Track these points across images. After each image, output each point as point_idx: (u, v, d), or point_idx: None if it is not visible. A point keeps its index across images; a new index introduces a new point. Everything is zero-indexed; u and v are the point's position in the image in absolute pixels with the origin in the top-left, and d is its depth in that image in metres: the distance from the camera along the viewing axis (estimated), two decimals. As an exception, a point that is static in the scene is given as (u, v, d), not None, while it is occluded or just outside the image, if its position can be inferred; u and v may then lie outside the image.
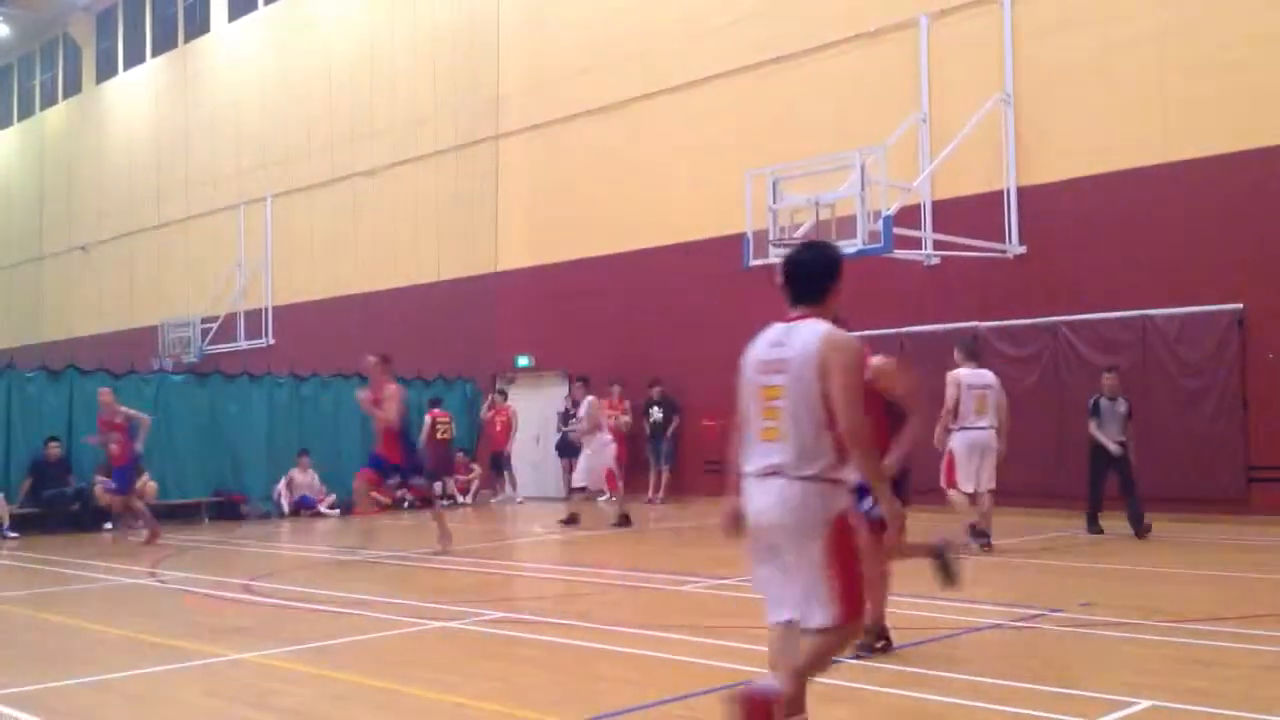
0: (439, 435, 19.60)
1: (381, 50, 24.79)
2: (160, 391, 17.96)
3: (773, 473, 4.10)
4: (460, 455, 20.30)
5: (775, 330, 4.33)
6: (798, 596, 4.09)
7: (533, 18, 21.86)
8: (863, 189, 13.47)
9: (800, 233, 13.84)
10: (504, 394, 21.23)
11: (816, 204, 13.70)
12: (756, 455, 4.19)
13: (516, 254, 21.86)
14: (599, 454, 15.07)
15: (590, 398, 15.67)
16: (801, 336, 4.18)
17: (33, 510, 15.85)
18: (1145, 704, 5.13)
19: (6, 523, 15.20)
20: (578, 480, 15.86)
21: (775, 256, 14.23)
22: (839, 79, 17.34)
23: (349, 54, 25.52)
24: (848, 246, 13.47)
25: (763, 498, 4.12)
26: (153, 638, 7.47)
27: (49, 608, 9.17)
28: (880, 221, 13.53)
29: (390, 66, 24.51)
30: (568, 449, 20.21)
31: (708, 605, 8.41)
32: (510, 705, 5.43)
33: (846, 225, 13.50)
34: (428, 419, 19.64)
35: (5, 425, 16.12)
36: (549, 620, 7.75)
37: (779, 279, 4.51)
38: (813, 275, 4.41)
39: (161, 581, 10.57)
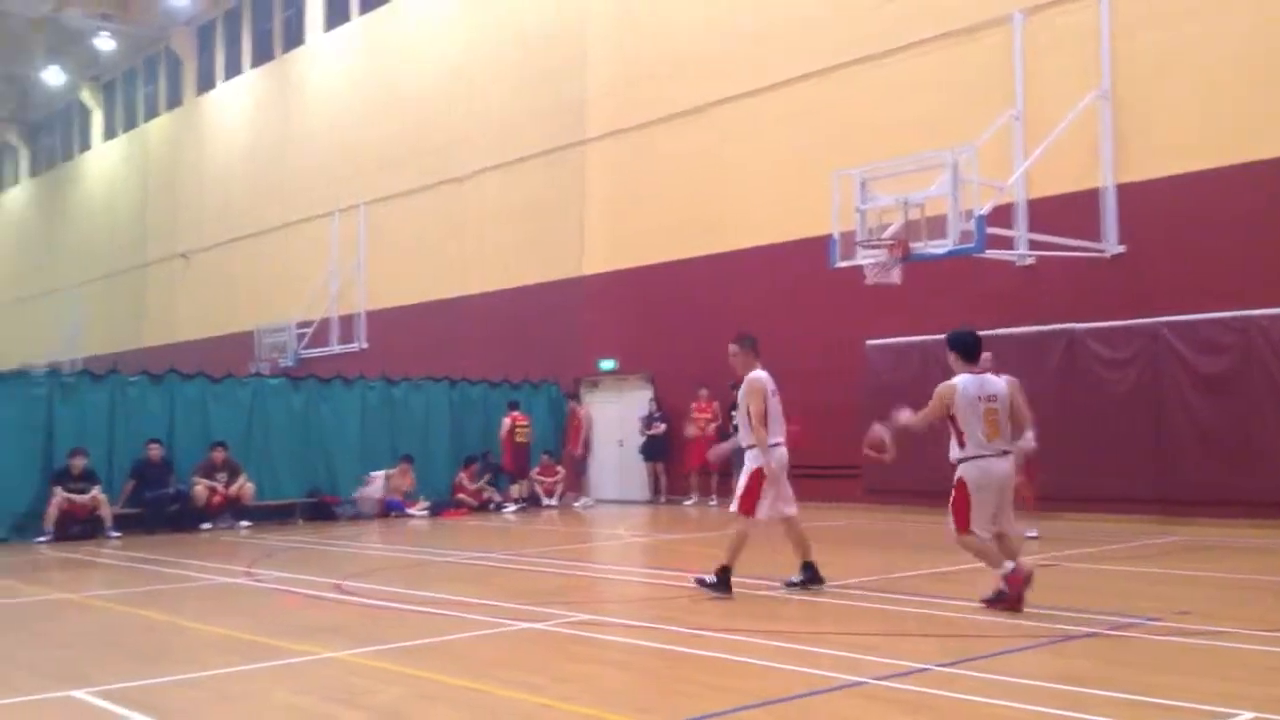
0: (517, 438, 19.78)
1: (470, 58, 25.11)
2: (256, 395, 18.41)
3: (1005, 452, 7.95)
4: (545, 458, 20.45)
5: (973, 378, 8.04)
6: (1007, 516, 8.01)
7: (619, 24, 21.95)
8: (954, 188, 13.23)
9: (889, 233, 13.67)
10: (575, 397, 21.35)
11: (905, 204, 13.51)
12: (990, 443, 7.86)
13: (601, 258, 21.96)
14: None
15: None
16: (995, 382, 8.14)
17: (135, 510, 16.34)
18: (1248, 715, 4.94)
19: (110, 523, 15.70)
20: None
21: (863, 258, 14.07)
22: (929, 77, 17.09)
23: (439, 62, 25.90)
24: (938, 247, 13.27)
25: (1002, 464, 7.91)
26: (247, 635, 7.63)
27: (149, 605, 9.43)
28: (972, 221, 13.29)
29: (479, 74, 24.82)
30: (653, 452, 20.24)
31: (790, 610, 8.32)
32: (596, 708, 5.42)
33: (937, 225, 13.29)
34: (507, 421, 19.83)
35: (109, 428, 16.65)
36: (634, 623, 7.75)
37: (952, 348, 8.17)
38: (977, 347, 8.29)
39: (257, 580, 10.81)
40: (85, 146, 39.79)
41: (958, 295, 15.74)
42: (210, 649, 7.32)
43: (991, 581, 7.88)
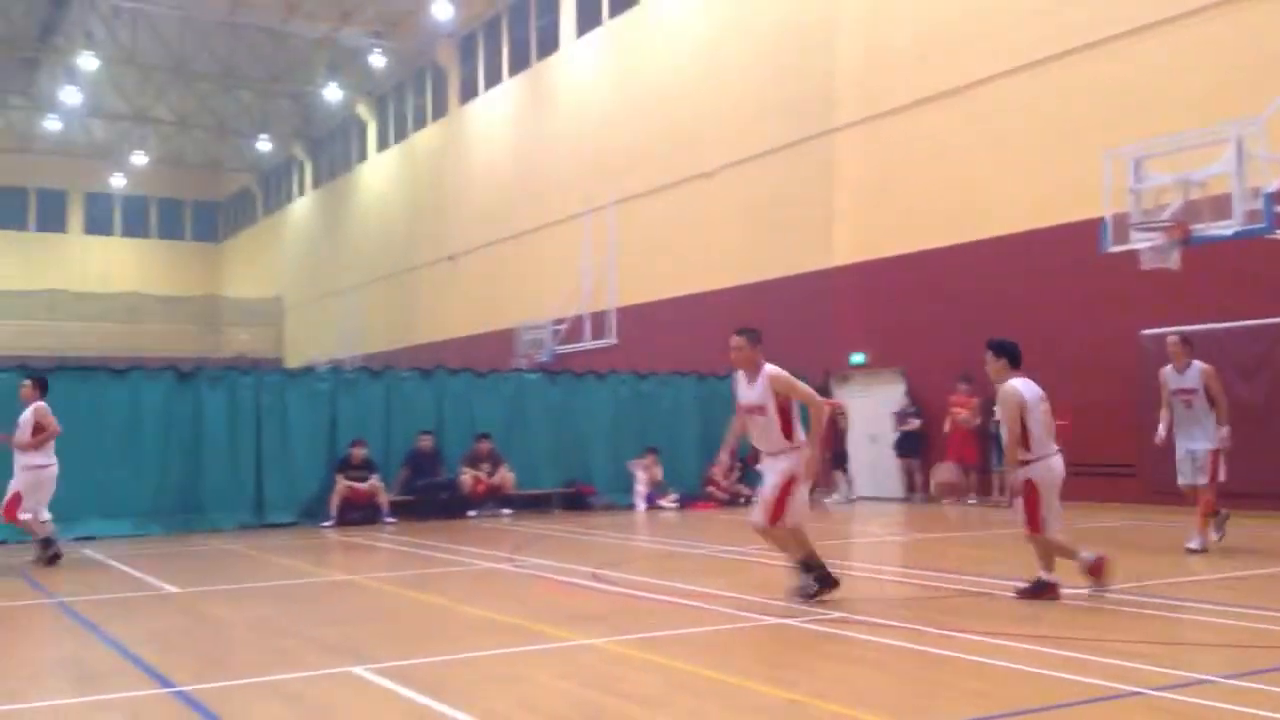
0: (758, 434, 19.61)
1: (716, 53, 25.22)
2: (517, 389, 19.20)
3: (1060, 451, 8.39)
4: (796, 453, 20.25)
5: (1028, 382, 8.38)
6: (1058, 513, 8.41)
7: (868, 7, 21.49)
8: (1239, 164, 12.21)
9: (1167, 214, 12.77)
10: (826, 392, 20.99)
11: (1185, 183, 12.59)
12: (1053, 444, 8.34)
13: (850, 249, 21.56)
14: None
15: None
16: (1037, 387, 8.41)
17: (408, 498, 17.36)
18: None
19: (386, 509, 16.75)
20: None
21: (1137, 241, 13.21)
22: (1206, 48, 15.83)
23: (685, 59, 26.17)
24: (1223, 228, 12.31)
25: (1060, 461, 8.36)
26: (511, 619, 7.95)
27: (421, 588, 9.99)
28: (1260, 199, 12.22)
29: (725, 67, 24.90)
30: (907, 449, 19.72)
31: (1054, 614, 7.90)
32: (849, 706, 5.32)
33: (1219, 205, 12.30)
34: (751, 418, 19.72)
35: (385, 420, 17.75)
36: (888, 623, 7.57)
37: (1001, 354, 8.55)
38: (1020, 353, 8.56)
39: (519, 567, 11.25)
40: (361, 158, 42.58)
41: (1243, 280, 14.52)
42: (476, 631, 7.66)
43: (1038, 570, 8.38)
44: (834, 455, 20.44)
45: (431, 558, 12.37)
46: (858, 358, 21.29)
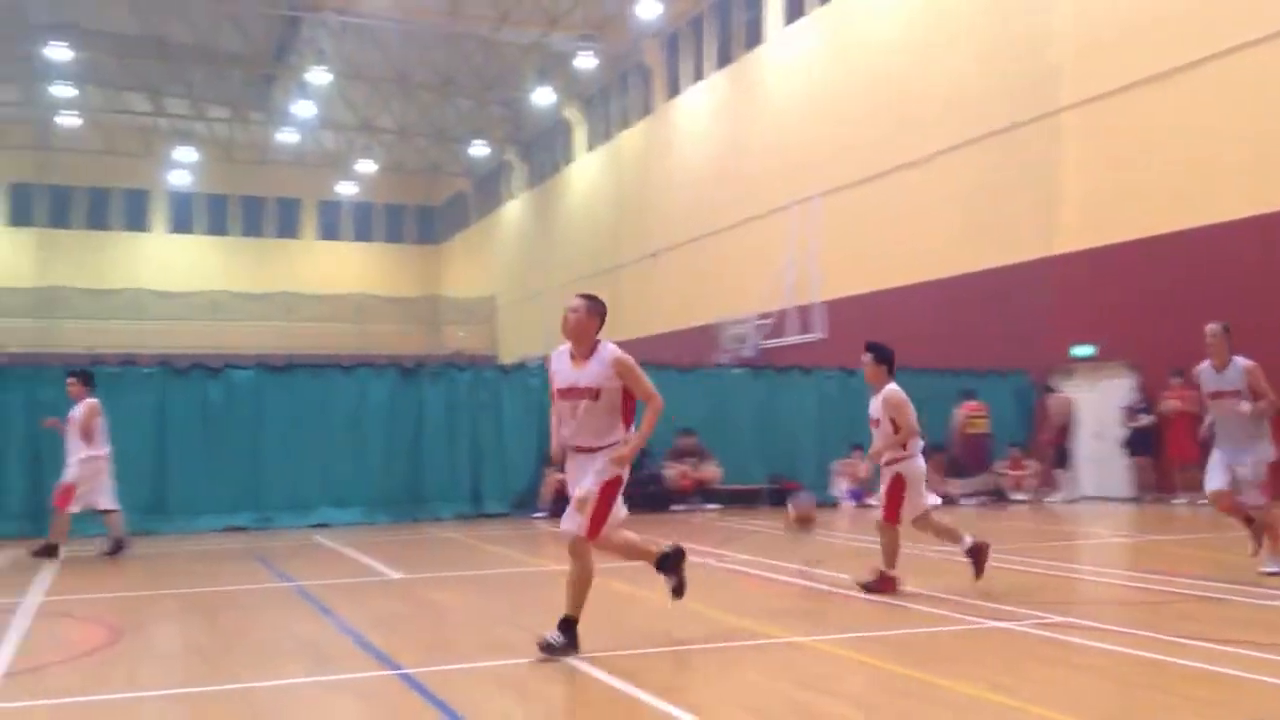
0: (972, 429, 19.02)
1: (928, 34, 24.52)
2: (721, 385, 19.25)
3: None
4: (1013, 451, 19.56)
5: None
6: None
7: (1087, -16, 20.45)
8: None
9: None
10: (1049, 387, 20.11)
11: None
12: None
13: (1075, 235, 20.54)
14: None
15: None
16: None
17: (617, 491, 17.66)
18: None
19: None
20: None
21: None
22: None
23: (895, 42, 25.55)
24: None
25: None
26: (716, 614, 7.98)
27: (630, 580, 10.13)
28: None
29: (937, 50, 24.17)
30: (1137, 446, 18.69)
31: (1307, 627, 7.32)
32: (1069, 714, 5.09)
33: None
34: (960, 412, 19.14)
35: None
36: (1112, 628, 7.20)
37: (882, 361, 9.19)
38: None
39: (723, 561, 11.27)
40: (570, 159, 43.59)
41: None
42: (685, 625, 7.71)
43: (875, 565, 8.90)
44: (1057, 452, 19.58)
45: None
46: (1084, 350, 20.25)
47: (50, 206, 45.76)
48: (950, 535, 9.11)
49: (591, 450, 6.76)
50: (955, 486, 18.86)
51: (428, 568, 11.00)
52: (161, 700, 6.01)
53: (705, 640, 6.99)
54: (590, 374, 6.73)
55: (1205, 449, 10.03)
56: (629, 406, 6.86)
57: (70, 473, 12.11)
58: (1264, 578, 8.97)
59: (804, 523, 11.41)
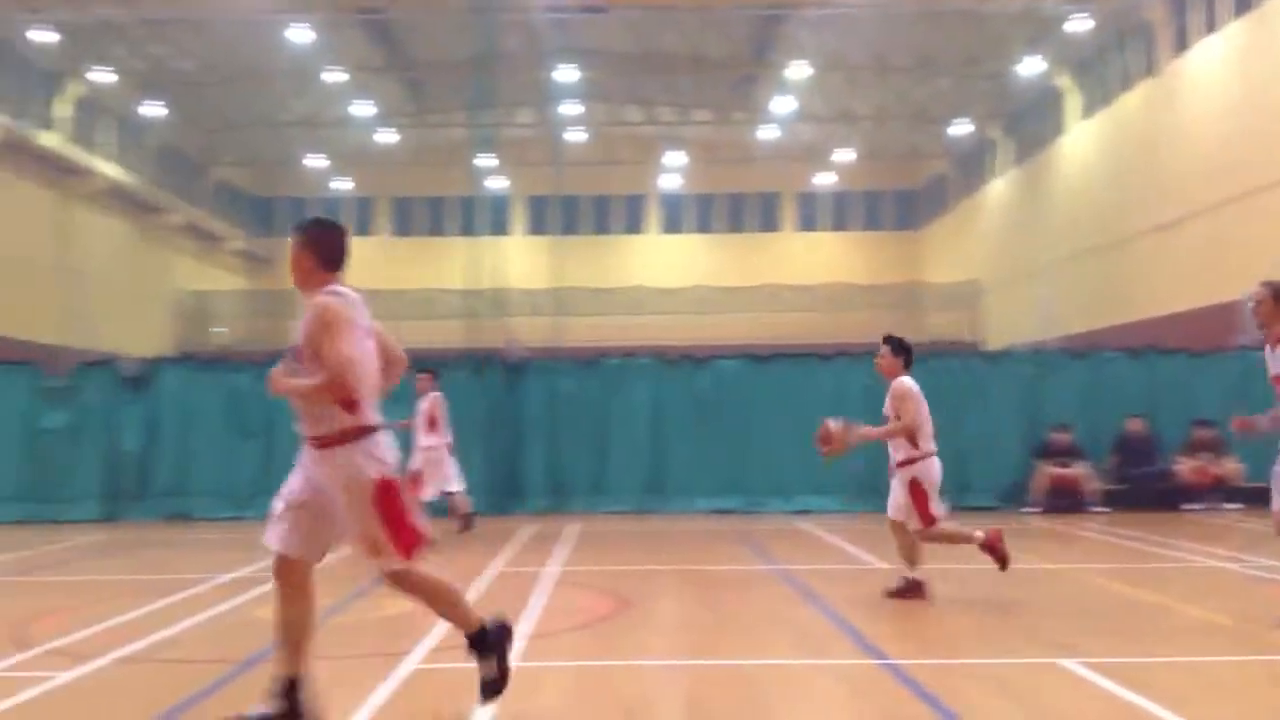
0: None
1: None
2: (1240, 370, 17.16)
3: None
4: None
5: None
6: None
7: None
8: None
9: None
10: None
11: None
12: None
13: None
14: None
15: None
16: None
17: (1119, 486, 16.36)
18: None
19: (1094, 497, 15.94)
20: None
21: None
22: None
23: None
24: None
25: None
26: (1231, 623, 7.12)
27: (1134, 582, 9.33)
28: None
29: None
30: None
31: None
32: None
33: None
34: None
35: (1089, 404, 16.81)
36: None
37: (899, 353, 8.80)
38: None
39: (1245, 567, 10.05)
40: (1060, 131, 41.10)
41: None
42: (1193, 633, 6.99)
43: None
44: None
45: (1143, 551, 11.53)
46: None
47: (561, 215, 50.70)
48: (959, 538, 8.50)
49: (325, 445, 4.79)
50: None
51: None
52: (665, 669, 6.39)
53: (1217, 652, 6.24)
54: (301, 332, 4.82)
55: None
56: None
57: (416, 460, 12.91)
58: None
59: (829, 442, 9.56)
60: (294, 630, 4.90)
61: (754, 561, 10.95)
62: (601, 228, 53.29)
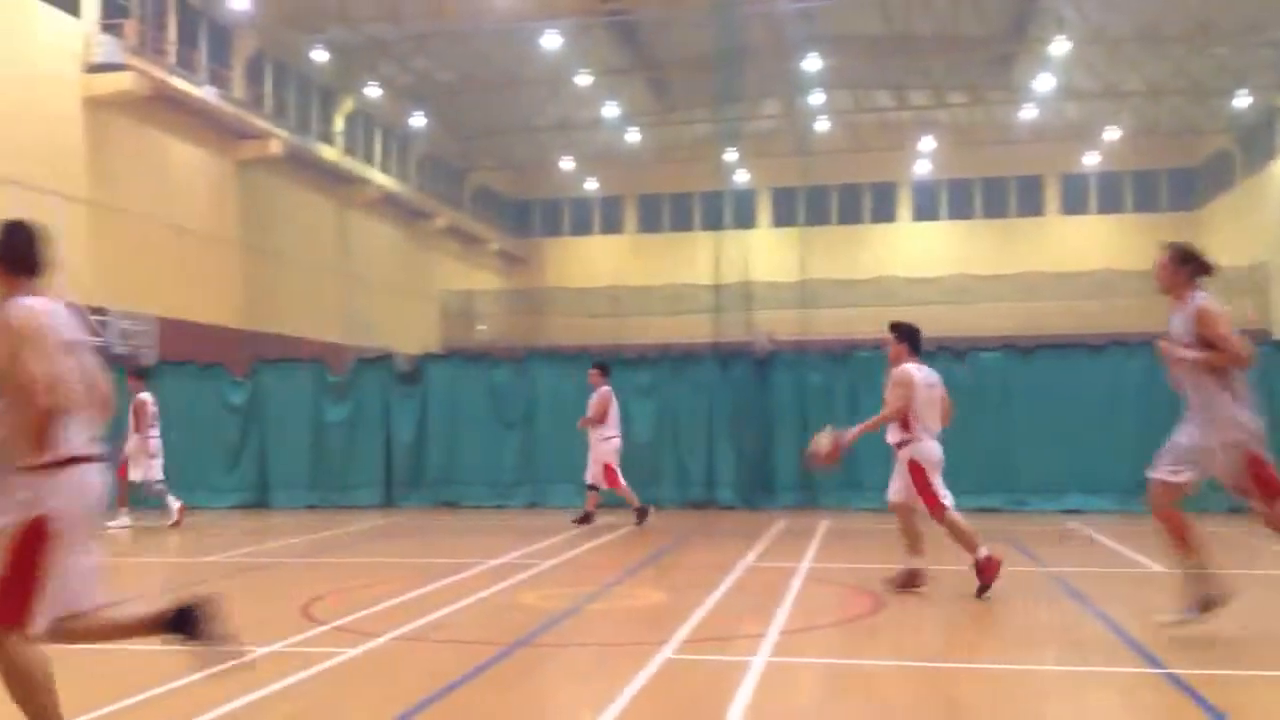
0: None
1: None
2: None
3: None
4: None
5: (921, 367, 8.58)
6: None
7: None
8: None
9: None
10: None
11: None
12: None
13: None
14: None
15: None
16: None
17: None
18: None
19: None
20: None
21: None
22: None
23: None
24: None
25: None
26: None
27: None
28: None
29: None
30: None
31: None
32: None
33: None
34: None
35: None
36: None
37: (904, 339, 8.76)
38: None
39: None
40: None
41: None
42: None
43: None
44: None
45: None
46: None
47: (808, 206, 50.19)
48: (965, 539, 8.21)
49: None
50: None
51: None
52: (922, 671, 6.20)
53: None
54: None
55: None
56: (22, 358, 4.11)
57: (600, 452, 13.61)
58: None
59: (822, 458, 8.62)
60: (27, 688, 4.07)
61: (1018, 562, 10.48)
62: (850, 217, 52.38)
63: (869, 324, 39.86)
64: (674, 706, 5.40)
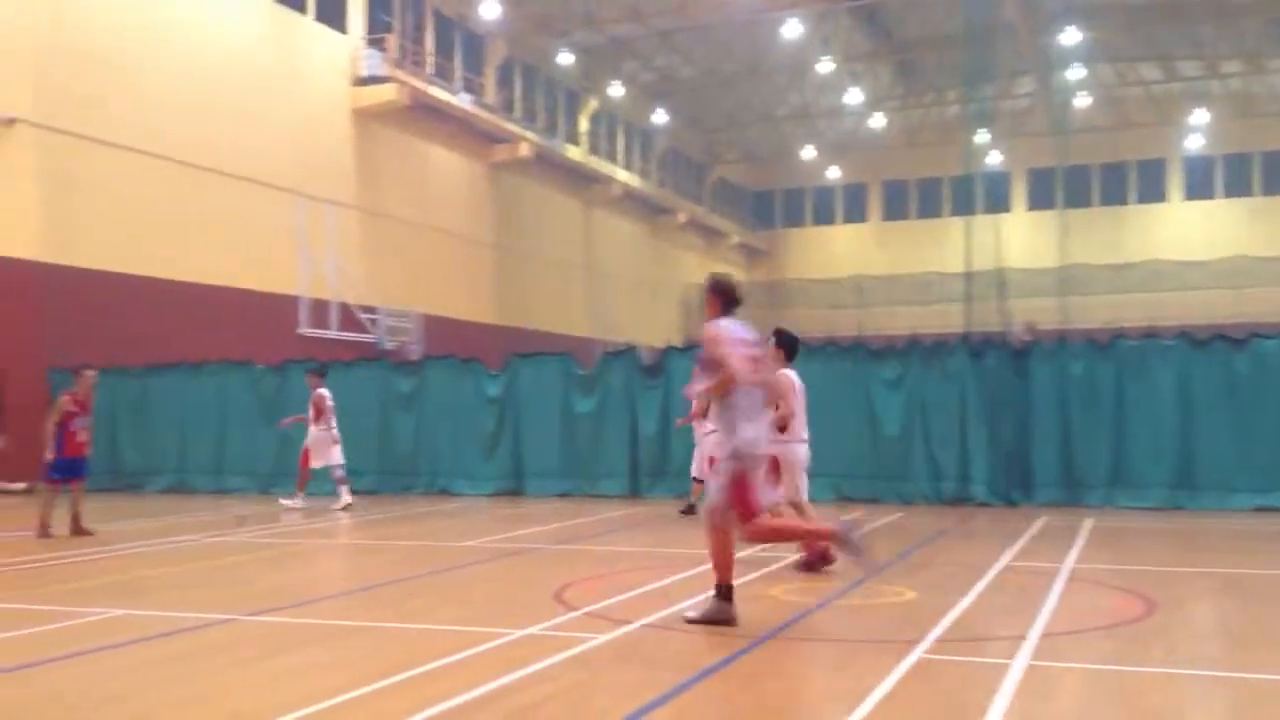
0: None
1: None
2: None
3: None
4: None
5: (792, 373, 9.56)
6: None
7: None
8: None
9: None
10: None
11: None
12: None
13: None
14: None
15: None
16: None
17: None
18: None
19: None
20: None
21: None
22: None
23: None
24: None
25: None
26: None
27: None
28: None
29: None
30: None
31: None
32: None
33: None
34: None
35: None
36: None
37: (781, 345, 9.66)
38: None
39: None
40: None
41: None
42: None
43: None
44: None
45: None
46: None
47: (1067, 187, 47.65)
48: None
49: None
50: None
51: None
52: (1197, 679, 5.77)
53: None
54: None
55: None
56: None
57: (708, 448, 12.95)
58: None
59: None
60: None
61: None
62: (1113, 198, 49.40)
63: (1136, 311, 37.60)
64: (928, 707, 5.23)
